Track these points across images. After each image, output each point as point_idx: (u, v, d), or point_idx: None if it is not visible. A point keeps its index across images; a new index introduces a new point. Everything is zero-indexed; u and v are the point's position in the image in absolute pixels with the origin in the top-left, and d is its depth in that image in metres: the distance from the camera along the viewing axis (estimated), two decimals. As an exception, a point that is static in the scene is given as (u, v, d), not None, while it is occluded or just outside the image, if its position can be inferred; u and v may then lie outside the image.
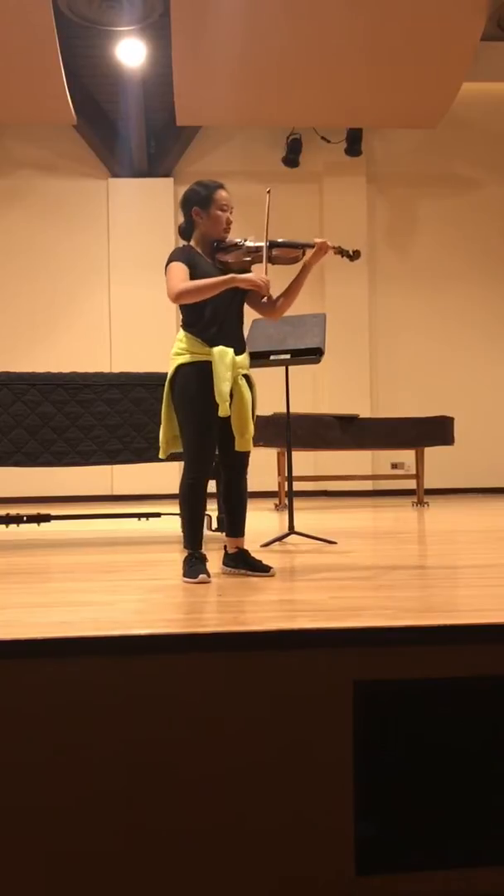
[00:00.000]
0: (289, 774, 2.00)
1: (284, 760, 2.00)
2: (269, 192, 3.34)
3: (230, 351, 3.20)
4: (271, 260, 3.26)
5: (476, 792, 2.10)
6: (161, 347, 3.30)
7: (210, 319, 3.22)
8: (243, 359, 3.29)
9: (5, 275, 9.85)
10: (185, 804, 1.98)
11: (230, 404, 3.17)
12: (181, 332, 3.28)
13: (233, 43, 7.11)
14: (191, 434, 3.22)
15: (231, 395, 3.18)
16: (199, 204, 3.26)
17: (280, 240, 3.31)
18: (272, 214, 3.31)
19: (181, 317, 3.31)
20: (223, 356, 3.16)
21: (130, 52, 8.35)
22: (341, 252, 3.44)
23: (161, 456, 3.41)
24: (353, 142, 9.80)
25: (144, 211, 9.66)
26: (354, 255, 3.49)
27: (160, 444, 3.35)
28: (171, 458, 3.43)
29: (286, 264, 3.32)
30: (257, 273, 3.23)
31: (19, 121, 9.24)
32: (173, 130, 9.36)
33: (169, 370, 3.26)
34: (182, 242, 3.38)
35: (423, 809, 2.08)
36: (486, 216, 10.31)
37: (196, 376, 3.18)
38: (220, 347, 3.18)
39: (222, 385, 3.12)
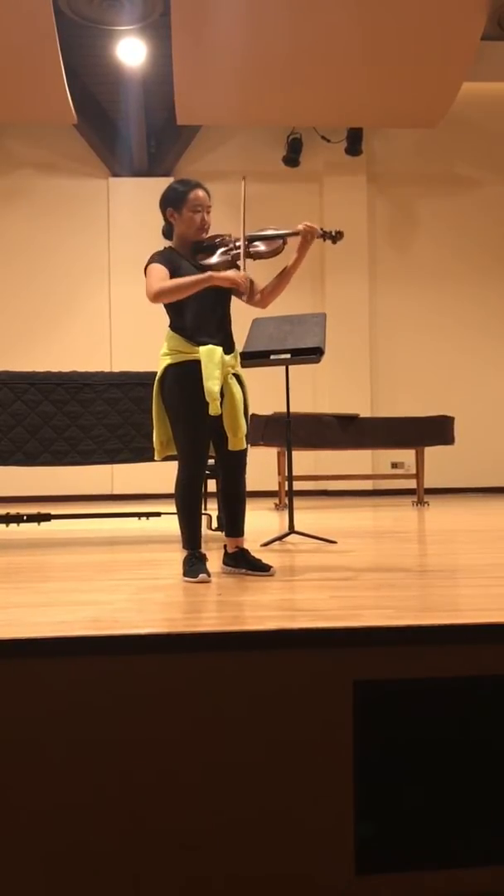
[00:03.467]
0: (289, 774, 2.00)
1: (284, 760, 2.00)
2: (244, 179, 3.25)
3: (218, 349, 3.18)
4: (252, 255, 3.21)
5: (476, 792, 2.10)
6: (161, 347, 3.29)
7: (195, 319, 3.20)
8: (232, 357, 3.28)
9: (5, 274, 9.85)
10: (184, 804, 1.98)
11: (221, 403, 3.16)
12: (168, 333, 3.27)
13: (233, 42, 7.10)
14: (183, 434, 3.20)
15: (222, 395, 3.17)
16: (172, 205, 3.24)
17: (259, 233, 3.24)
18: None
19: (168, 317, 3.30)
20: (211, 355, 3.14)
21: (130, 52, 8.35)
22: (324, 235, 3.35)
23: (157, 458, 3.40)
24: (354, 141, 9.80)
25: (145, 211, 9.59)
26: (337, 237, 3.37)
27: (155, 447, 3.33)
28: (167, 458, 3.42)
29: (269, 258, 3.26)
30: (245, 268, 3.17)
31: (19, 121, 9.23)
32: (173, 130, 9.36)
33: (157, 371, 3.25)
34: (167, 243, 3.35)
35: (423, 809, 2.08)
36: (486, 216, 10.31)
37: (185, 376, 3.16)
38: (208, 346, 3.16)
39: (211, 384, 3.10)
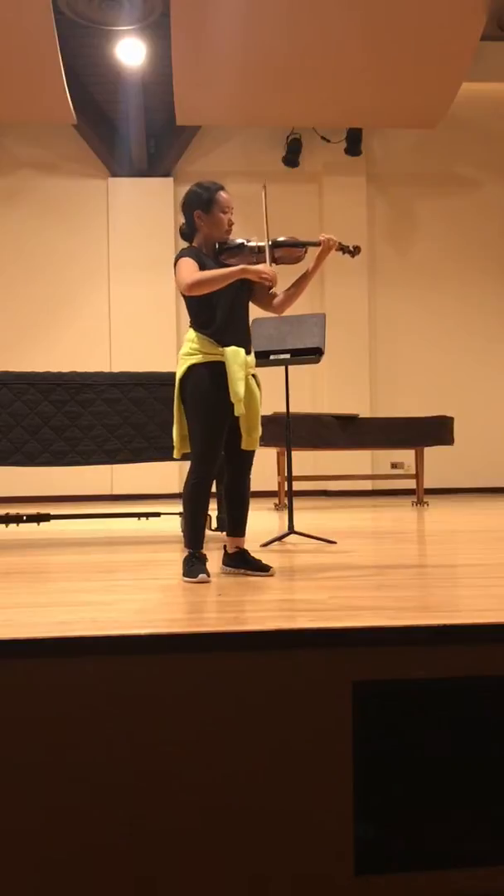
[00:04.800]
0: (288, 774, 2.00)
1: (284, 760, 2.00)
2: (265, 186, 3.33)
3: (242, 350, 3.20)
4: (275, 260, 3.30)
5: (476, 792, 2.10)
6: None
7: (221, 320, 3.22)
8: (251, 358, 3.31)
9: (5, 274, 9.85)
10: (184, 804, 1.98)
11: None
12: (192, 333, 3.26)
13: (233, 43, 7.11)
14: (201, 434, 3.20)
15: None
16: (200, 207, 3.25)
17: (282, 238, 3.33)
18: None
19: (190, 317, 3.30)
20: (236, 356, 3.16)
21: (130, 52, 8.35)
22: (342, 249, 3.45)
23: (175, 456, 3.40)
24: (353, 142, 9.80)
25: (144, 211, 9.66)
26: (355, 251, 3.50)
27: (175, 444, 3.33)
28: (184, 457, 3.42)
29: (289, 264, 3.35)
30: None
31: (19, 121, 9.24)
32: (173, 130, 9.36)
33: (178, 370, 3.25)
34: (183, 244, 3.38)
35: (423, 810, 2.08)
36: (486, 216, 10.31)
37: (210, 377, 3.17)
38: (233, 347, 3.18)
39: (237, 385, 3.12)
